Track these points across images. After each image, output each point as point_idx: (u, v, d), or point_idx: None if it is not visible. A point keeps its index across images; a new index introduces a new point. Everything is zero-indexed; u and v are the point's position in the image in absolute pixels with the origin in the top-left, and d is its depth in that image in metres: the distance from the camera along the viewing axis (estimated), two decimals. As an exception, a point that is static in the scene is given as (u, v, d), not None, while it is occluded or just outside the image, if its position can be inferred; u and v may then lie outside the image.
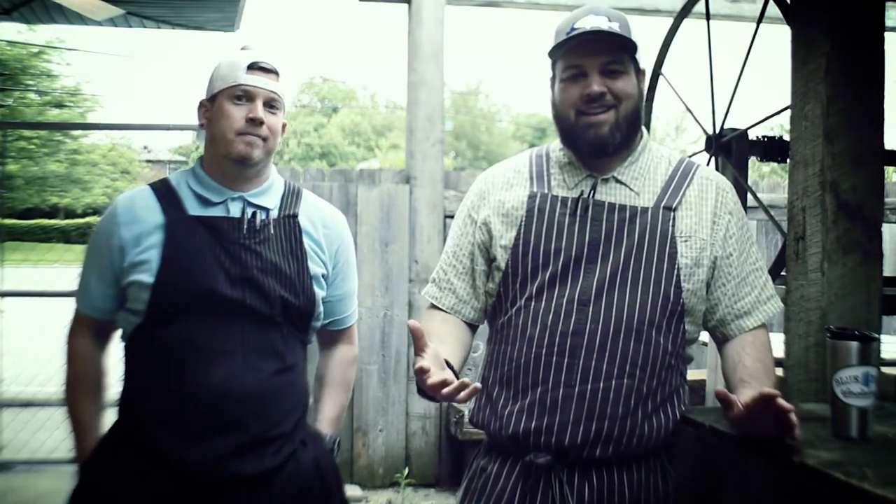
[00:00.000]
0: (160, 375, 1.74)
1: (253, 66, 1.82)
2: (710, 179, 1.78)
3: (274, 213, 1.85)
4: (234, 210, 1.82)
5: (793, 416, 1.36)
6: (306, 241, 1.87)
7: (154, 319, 1.75)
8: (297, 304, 1.82)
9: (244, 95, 1.80)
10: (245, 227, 1.80)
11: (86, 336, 1.88)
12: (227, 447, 1.71)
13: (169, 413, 1.72)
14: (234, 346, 1.74)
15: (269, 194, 1.87)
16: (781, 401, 1.35)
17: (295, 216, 1.88)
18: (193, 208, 1.81)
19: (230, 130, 1.80)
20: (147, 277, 1.74)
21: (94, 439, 1.82)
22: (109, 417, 1.87)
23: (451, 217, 4.24)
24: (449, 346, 1.71)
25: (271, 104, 1.83)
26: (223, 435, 1.71)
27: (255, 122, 1.79)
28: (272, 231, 1.82)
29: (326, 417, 1.98)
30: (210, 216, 1.80)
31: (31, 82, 22.05)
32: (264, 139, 1.81)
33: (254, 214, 1.82)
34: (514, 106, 58.09)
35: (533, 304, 1.69)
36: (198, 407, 1.71)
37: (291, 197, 1.91)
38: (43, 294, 4.94)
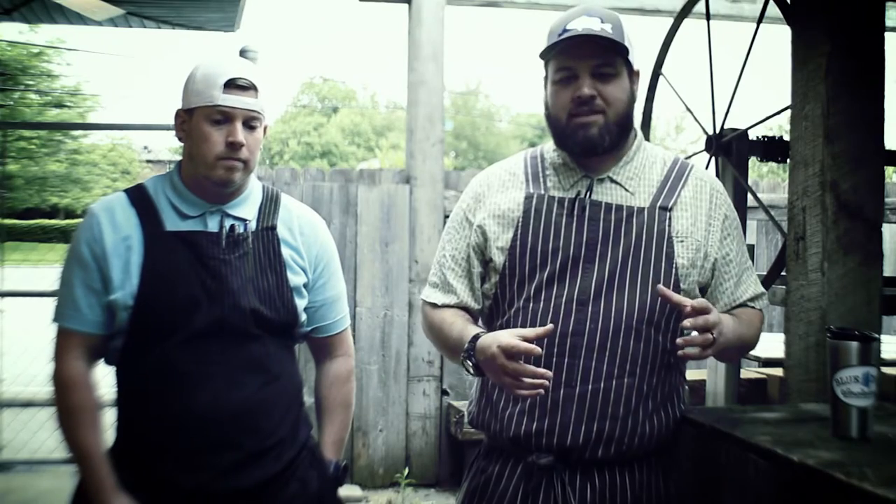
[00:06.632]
0: (148, 402, 1.73)
1: (230, 84, 1.73)
2: (704, 181, 1.79)
3: (252, 225, 1.82)
4: (212, 223, 1.79)
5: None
6: (285, 251, 1.84)
7: (136, 340, 1.73)
8: (278, 319, 1.79)
9: (222, 117, 1.74)
10: (224, 241, 1.77)
11: (78, 357, 1.76)
12: (221, 466, 1.71)
13: (161, 438, 1.71)
14: (217, 367, 1.72)
15: (247, 204, 1.84)
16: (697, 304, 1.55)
17: (273, 227, 1.85)
18: (171, 222, 1.77)
19: (210, 155, 1.74)
20: (127, 298, 1.71)
21: (103, 465, 1.74)
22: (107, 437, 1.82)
23: (451, 217, 4.23)
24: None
25: (250, 122, 1.76)
26: (216, 455, 1.71)
27: (234, 147, 1.73)
28: (251, 245, 1.80)
29: (329, 443, 1.95)
30: (188, 231, 1.77)
31: (31, 82, 22.05)
32: (245, 161, 1.77)
33: (232, 228, 1.79)
34: (513, 106, 57.99)
35: (531, 305, 1.69)
36: (187, 431, 1.70)
37: (270, 205, 1.88)
38: (43, 294, 4.92)
